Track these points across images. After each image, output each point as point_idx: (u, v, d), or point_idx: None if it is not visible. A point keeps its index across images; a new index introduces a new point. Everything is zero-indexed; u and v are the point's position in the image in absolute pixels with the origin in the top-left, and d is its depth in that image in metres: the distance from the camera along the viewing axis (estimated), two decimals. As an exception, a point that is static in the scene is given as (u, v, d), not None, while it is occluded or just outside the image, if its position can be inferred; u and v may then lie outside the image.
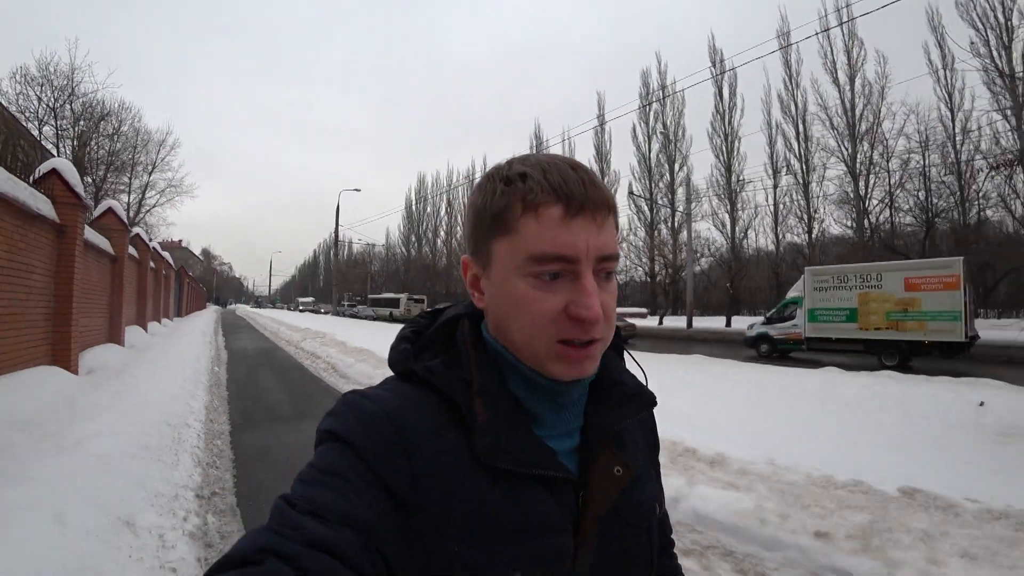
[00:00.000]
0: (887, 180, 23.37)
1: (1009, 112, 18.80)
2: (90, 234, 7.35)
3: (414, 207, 53.46)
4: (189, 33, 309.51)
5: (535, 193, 0.46)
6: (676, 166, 32.08)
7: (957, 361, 10.19)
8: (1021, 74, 18.39)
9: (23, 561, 1.96)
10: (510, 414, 0.48)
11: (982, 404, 5.01)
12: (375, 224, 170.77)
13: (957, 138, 21.55)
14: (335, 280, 37.25)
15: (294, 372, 9.38)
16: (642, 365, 0.60)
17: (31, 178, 5.77)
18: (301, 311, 51.76)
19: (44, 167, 6.05)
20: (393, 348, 0.54)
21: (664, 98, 32.00)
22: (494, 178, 0.49)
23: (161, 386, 5.74)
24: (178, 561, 2.31)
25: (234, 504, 3.18)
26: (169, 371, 7.00)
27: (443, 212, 49.83)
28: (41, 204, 5.36)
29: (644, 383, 0.58)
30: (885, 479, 3.10)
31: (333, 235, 32.29)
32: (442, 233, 49.97)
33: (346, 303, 44.63)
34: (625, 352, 0.60)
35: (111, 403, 4.59)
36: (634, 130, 33.64)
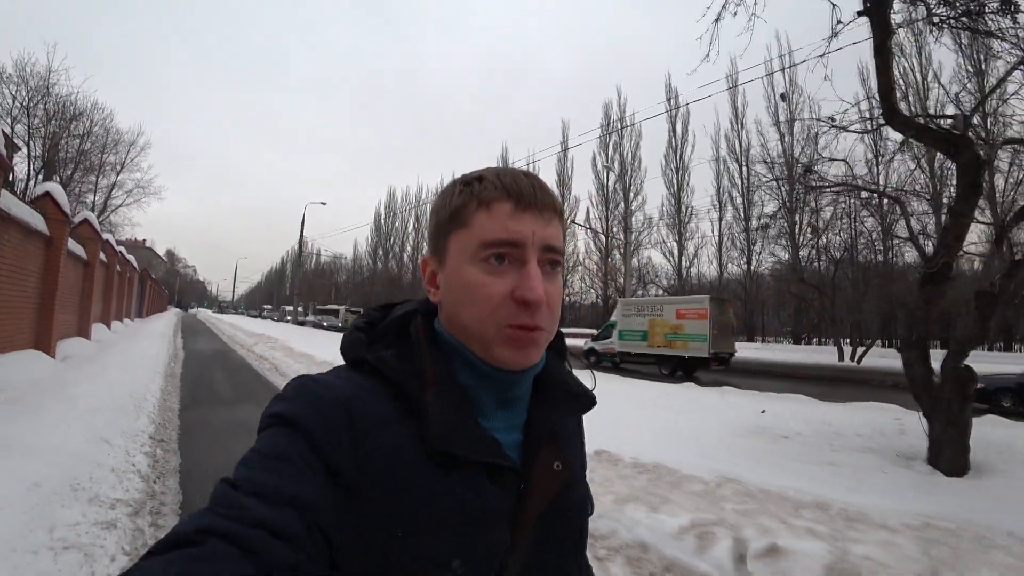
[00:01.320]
0: (817, 219, 26.06)
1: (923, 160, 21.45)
2: (70, 243, 8.73)
3: (383, 220, 54.96)
4: (169, 37, 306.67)
5: (488, 191, 0.51)
6: (631, 195, 34.48)
7: (724, 372, 13.53)
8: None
9: (49, 452, 3.47)
10: (459, 405, 0.50)
11: (763, 412, 6.85)
12: (346, 235, 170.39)
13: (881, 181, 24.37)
14: (297, 290, 38.14)
15: (243, 371, 10.73)
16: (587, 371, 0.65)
17: (27, 196, 7.21)
18: (264, 318, 52.24)
19: (39, 190, 7.49)
20: (346, 336, 0.56)
21: (622, 129, 34.45)
22: (454, 183, 0.54)
23: (125, 372, 7.12)
24: (138, 463, 3.83)
25: (176, 447, 4.65)
26: (132, 362, 8.35)
27: (411, 227, 51.37)
28: (38, 222, 6.81)
29: (592, 387, 0.62)
30: (679, 462, 4.07)
31: (297, 246, 33.18)
32: (408, 248, 51.41)
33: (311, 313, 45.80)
34: (567, 360, 0.63)
35: (87, 380, 6.01)
36: (594, 159, 36.05)
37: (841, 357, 19.18)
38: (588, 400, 0.60)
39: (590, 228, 32.85)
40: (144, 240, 53.30)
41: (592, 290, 36.14)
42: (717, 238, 31.16)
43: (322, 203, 37.03)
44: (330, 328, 31.91)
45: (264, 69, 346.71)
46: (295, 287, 36.97)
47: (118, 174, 26.44)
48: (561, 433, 0.57)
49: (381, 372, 0.51)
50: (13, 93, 21.70)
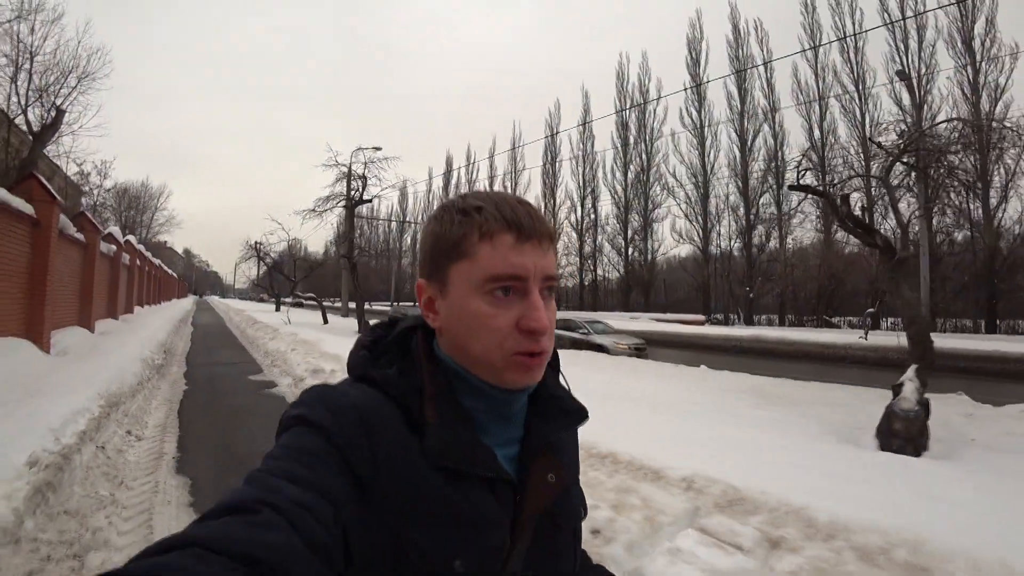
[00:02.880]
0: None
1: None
2: (124, 253, 17.62)
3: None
4: (193, 52, 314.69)
5: (490, 223, 0.52)
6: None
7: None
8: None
9: (106, 369, 12.35)
10: (458, 420, 0.53)
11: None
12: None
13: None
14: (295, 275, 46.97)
15: (223, 328, 19.75)
16: (568, 382, 0.66)
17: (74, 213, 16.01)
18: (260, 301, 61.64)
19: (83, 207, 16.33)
20: (352, 354, 0.59)
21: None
22: (451, 210, 0.55)
23: (157, 326, 15.94)
24: (152, 380, 12.73)
25: (184, 364, 13.50)
26: (164, 320, 17.26)
27: (393, 227, 59.82)
28: (105, 247, 15.64)
29: (573, 397, 0.64)
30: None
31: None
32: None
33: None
34: (560, 371, 0.65)
35: (126, 339, 14.92)
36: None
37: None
38: (580, 415, 0.62)
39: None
40: (165, 241, 63.63)
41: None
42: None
43: (376, 148, 38.75)
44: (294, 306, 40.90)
45: (271, 82, 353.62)
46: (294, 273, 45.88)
47: (153, 214, 39.10)
48: (555, 445, 0.59)
49: (384, 388, 0.54)
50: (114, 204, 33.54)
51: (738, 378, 7.46)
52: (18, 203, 6.72)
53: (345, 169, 14.79)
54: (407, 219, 56.32)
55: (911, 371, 4.56)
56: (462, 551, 0.49)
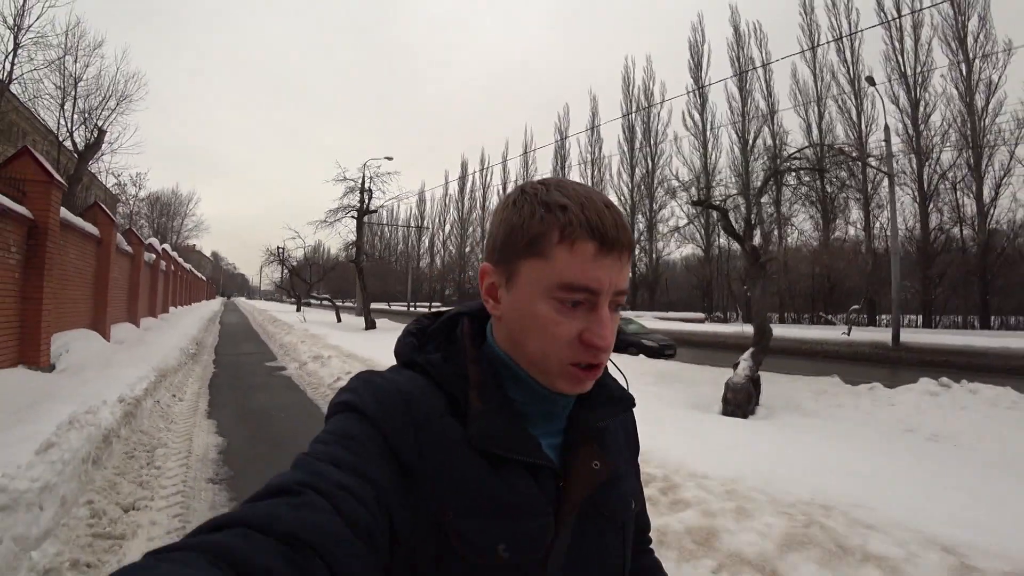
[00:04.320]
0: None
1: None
2: (189, 269, 19.77)
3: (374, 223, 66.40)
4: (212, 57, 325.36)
5: (574, 227, 0.50)
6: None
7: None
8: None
9: (154, 355, 14.31)
10: (502, 407, 0.53)
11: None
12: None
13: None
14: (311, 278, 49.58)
15: (246, 324, 21.76)
16: (623, 371, 0.65)
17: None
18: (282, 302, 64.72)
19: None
20: (400, 341, 0.60)
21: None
22: (532, 200, 0.52)
23: (190, 324, 17.96)
24: (188, 365, 14.66)
25: (213, 354, 15.42)
26: (195, 319, 19.31)
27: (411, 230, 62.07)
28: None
29: (625, 387, 0.63)
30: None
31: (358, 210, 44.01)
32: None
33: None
34: (609, 360, 0.63)
35: (166, 333, 16.95)
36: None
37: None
38: (627, 402, 0.62)
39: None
40: (194, 245, 67.28)
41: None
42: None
43: (388, 158, 35.93)
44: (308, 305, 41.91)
45: (291, 88, 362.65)
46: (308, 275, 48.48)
47: (183, 220, 41.93)
48: (601, 434, 0.59)
49: (429, 373, 0.54)
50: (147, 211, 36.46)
51: (657, 364, 8.83)
52: (90, 227, 8.53)
53: (352, 183, 16.50)
54: (415, 224, 57.92)
55: (747, 353, 5.95)
56: (505, 537, 0.49)
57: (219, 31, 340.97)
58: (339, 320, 20.01)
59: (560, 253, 0.50)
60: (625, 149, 40.56)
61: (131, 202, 33.60)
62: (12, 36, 16.94)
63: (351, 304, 41.71)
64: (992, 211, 26.20)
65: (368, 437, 0.47)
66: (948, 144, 26.69)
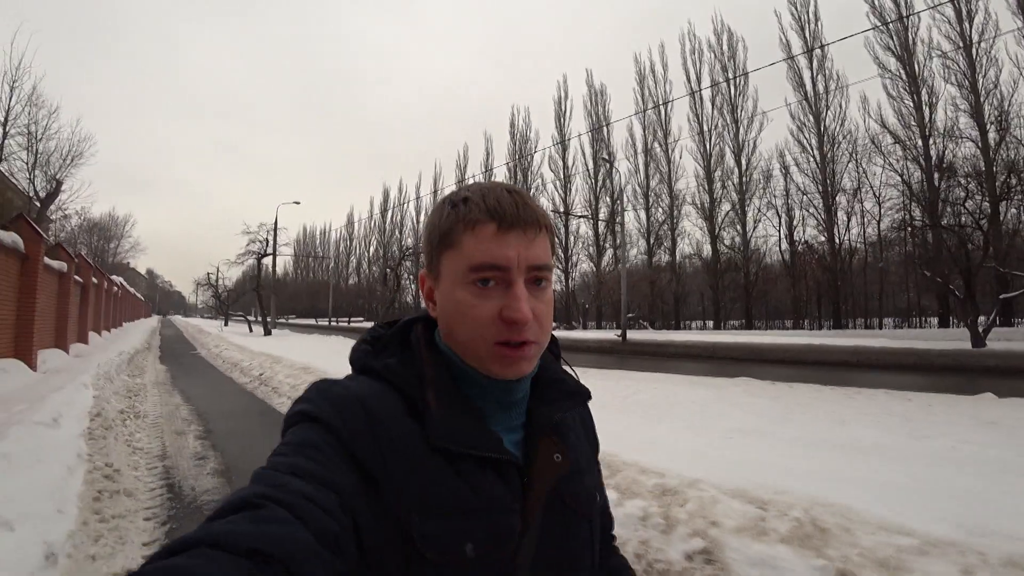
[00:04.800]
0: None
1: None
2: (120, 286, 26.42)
3: (304, 243, 72.84)
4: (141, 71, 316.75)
5: (473, 213, 0.53)
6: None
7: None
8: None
9: (126, 345, 21.30)
10: (459, 404, 0.54)
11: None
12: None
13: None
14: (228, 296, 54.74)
15: (180, 335, 28.52)
16: (574, 368, 0.68)
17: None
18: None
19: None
20: (355, 349, 0.61)
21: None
22: (444, 203, 0.57)
23: (137, 335, 24.70)
24: (153, 347, 21.74)
25: (159, 354, 22.40)
26: (140, 333, 25.98)
27: (331, 253, 68.55)
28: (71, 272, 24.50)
29: (577, 380, 0.65)
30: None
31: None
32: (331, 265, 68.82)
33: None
34: (563, 357, 0.67)
35: (121, 339, 23.77)
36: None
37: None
38: (582, 395, 0.64)
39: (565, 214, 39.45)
40: (128, 262, 70.99)
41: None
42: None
43: (296, 202, 34.04)
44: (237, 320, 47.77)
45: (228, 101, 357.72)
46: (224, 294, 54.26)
47: (119, 243, 46.47)
48: (560, 428, 0.60)
49: (386, 378, 0.55)
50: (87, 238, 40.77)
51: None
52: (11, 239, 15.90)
53: (252, 235, 24.10)
54: (317, 254, 64.55)
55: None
56: (472, 536, 0.49)
57: (150, 55, 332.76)
58: (251, 330, 27.22)
59: (466, 239, 0.54)
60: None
61: (76, 232, 38.96)
62: (1, 127, 23.48)
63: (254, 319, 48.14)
64: (751, 241, 36.06)
65: (328, 444, 0.47)
66: (726, 198, 36.20)
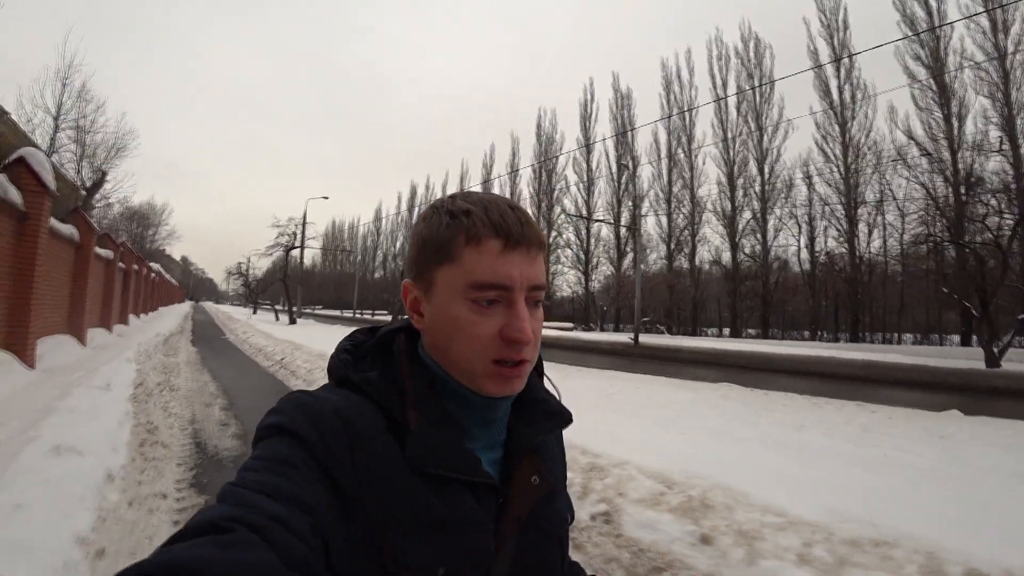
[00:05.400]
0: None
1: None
2: (157, 271, 28.05)
3: (331, 237, 74.75)
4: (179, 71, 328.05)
5: (478, 228, 0.52)
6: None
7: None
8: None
9: (161, 327, 22.73)
10: (440, 423, 0.52)
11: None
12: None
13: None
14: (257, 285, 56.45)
15: (211, 321, 30.06)
16: (556, 386, 0.67)
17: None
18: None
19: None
20: (334, 357, 0.59)
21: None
22: (439, 211, 0.54)
23: (172, 319, 26.23)
24: (186, 331, 23.15)
25: (191, 337, 23.81)
26: (174, 317, 27.55)
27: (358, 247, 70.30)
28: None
29: (560, 402, 0.64)
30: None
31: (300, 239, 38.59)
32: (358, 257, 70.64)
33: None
34: (545, 375, 0.66)
35: (157, 322, 25.28)
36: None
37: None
38: (564, 419, 0.63)
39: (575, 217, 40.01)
40: (164, 249, 74.42)
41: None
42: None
43: (324, 197, 37.92)
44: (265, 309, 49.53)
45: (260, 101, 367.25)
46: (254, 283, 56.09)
47: (156, 230, 49.00)
48: (540, 449, 0.60)
49: (366, 391, 0.53)
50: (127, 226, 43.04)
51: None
52: (68, 230, 17.20)
53: (281, 228, 25.34)
54: (343, 248, 65.63)
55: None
56: (445, 558, 0.48)
57: (196, 51, 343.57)
58: (277, 319, 28.52)
59: (468, 254, 0.52)
60: (533, 188, 49.92)
61: (117, 220, 41.21)
62: (54, 121, 25.23)
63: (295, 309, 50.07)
64: (771, 250, 35.88)
65: (301, 460, 0.46)
66: (747, 206, 36.09)
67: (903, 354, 18.15)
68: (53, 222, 6.89)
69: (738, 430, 5.84)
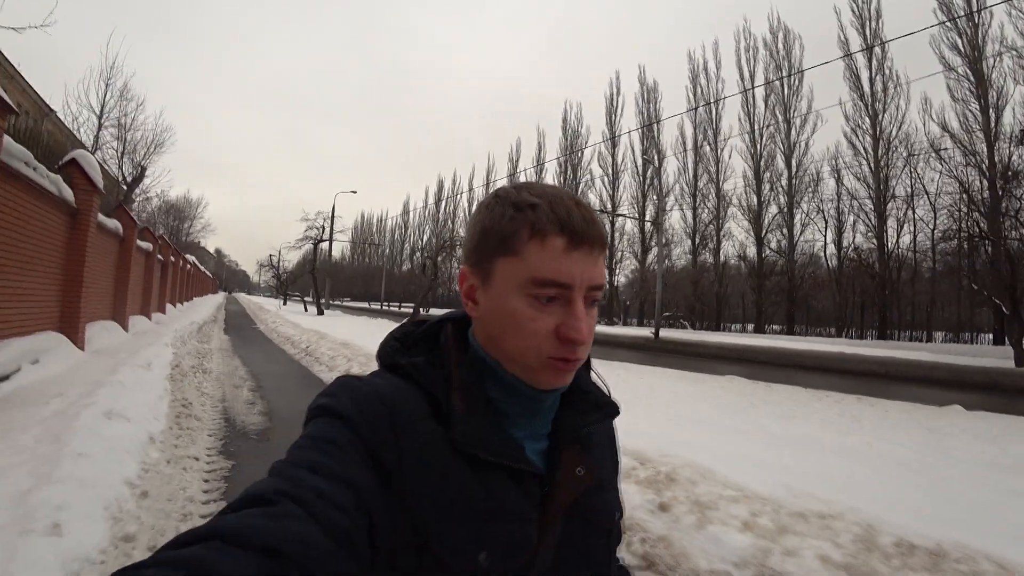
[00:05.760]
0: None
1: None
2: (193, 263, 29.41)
3: (361, 230, 76.13)
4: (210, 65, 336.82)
5: (543, 223, 0.51)
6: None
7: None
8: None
9: (196, 317, 23.89)
10: (485, 410, 0.53)
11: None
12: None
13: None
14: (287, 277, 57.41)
15: (243, 311, 31.26)
16: (604, 379, 0.66)
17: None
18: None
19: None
20: (383, 345, 0.61)
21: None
22: (504, 202, 0.54)
23: (205, 309, 27.47)
24: (219, 316, 24.26)
25: (223, 326, 24.96)
26: (207, 307, 28.83)
27: (386, 240, 71.58)
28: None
29: (608, 394, 0.64)
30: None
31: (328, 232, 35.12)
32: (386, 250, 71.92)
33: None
34: (592, 368, 0.65)
35: (191, 311, 26.52)
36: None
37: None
38: (611, 409, 0.63)
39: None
40: (199, 241, 77.51)
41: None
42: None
43: (353, 191, 40.70)
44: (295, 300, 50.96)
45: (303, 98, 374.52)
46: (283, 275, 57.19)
47: (191, 223, 51.13)
48: (586, 440, 0.60)
49: (412, 376, 0.55)
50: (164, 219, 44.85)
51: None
52: (113, 224, 18.21)
53: (309, 222, 26.27)
54: (373, 240, 67.53)
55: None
56: (487, 544, 0.48)
57: (230, 47, 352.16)
58: (306, 310, 29.57)
59: (531, 249, 0.52)
60: (559, 183, 49.96)
61: (155, 213, 43.19)
62: (97, 119, 26.64)
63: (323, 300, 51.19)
64: (797, 245, 35.20)
65: (348, 441, 0.47)
66: (774, 201, 35.45)
67: (931, 352, 17.82)
68: (100, 217, 7.55)
69: (727, 419, 6.08)
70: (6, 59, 13.87)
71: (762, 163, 35.49)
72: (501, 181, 55.52)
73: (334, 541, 0.39)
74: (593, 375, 0.65)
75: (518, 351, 0.53)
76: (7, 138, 4.20)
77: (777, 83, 35.12)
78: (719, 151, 37.95)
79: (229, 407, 5.66)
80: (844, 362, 15.43)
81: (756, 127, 36.07)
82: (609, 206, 42.63)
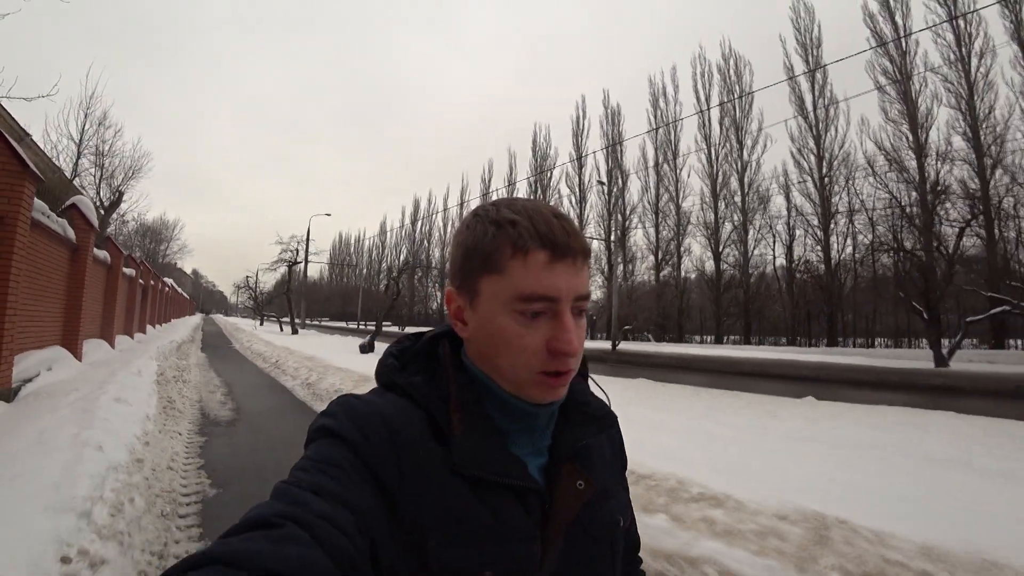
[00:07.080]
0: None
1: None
2: (170, 284, 30.25)
3: (338, 250, 77.16)
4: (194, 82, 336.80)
5: (524, 239, 0.51)
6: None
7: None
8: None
9: (176, 336, 24.84)
10: (485, 429, 0.53)
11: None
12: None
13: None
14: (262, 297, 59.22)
15: (220, 331, 32.16)
16: (604, 388, 0.67)
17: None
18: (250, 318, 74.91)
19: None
20: (381, 362, 0.60)
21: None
22: (484, 220, 0.54)
23: (183, 329, 28.32)
24: (196, 336, 25.19)
25: (200, 345, 25.88)
26: (185, 328, 29.65)
27: (363, 260, 72.54)
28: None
29: (607, 403, 0.65)
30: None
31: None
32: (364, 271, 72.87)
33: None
34: (590, 378, 0.66)
35: (170, 332, 27.42)
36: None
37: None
38: (607, 420, 0.63)
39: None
40: (175, 263, 77.29)
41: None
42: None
43: (327, 214, 39.65)
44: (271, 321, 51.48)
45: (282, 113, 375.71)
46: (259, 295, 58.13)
47: (168, 244, 51.46)
48: (585, 452, 0.59)
49: (411, 395, 0.54)
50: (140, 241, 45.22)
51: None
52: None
53: (284, 245, 27.51)
54: (346, 262, 68.02)
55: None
56: (491, 564, 0.48)
57: (214, 72, 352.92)
58: (281, 329, 30.57)
59: (515, 266, 0.52)
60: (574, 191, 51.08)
61: (131, 236, 43.83)
62: (76, 147, 27.64)
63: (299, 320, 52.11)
64: (752, 259, 37.26)
65: (349, 463, 0.47)
66: (728, 219, 37.71)
67: (866, 357, 19.64)
68: (93, 250, 8.86)
69: (650, 415, 6.90)
70: (17, 123, 14.91)
71: (718, 181, 37.75)
72: (475, 201, 57.13)
73: (337, 566, 0.39)
74: (592, 385, 0.67)
75: (510, 368, 0.53)
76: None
77: (729, 105, 37.59)
78: (678, 171, 40.14)
79: (205, 405, 7.00)
80: (781, 367, 17.04)
81: (712, 147, 38.41)
82: (577, 224, 44.08)
